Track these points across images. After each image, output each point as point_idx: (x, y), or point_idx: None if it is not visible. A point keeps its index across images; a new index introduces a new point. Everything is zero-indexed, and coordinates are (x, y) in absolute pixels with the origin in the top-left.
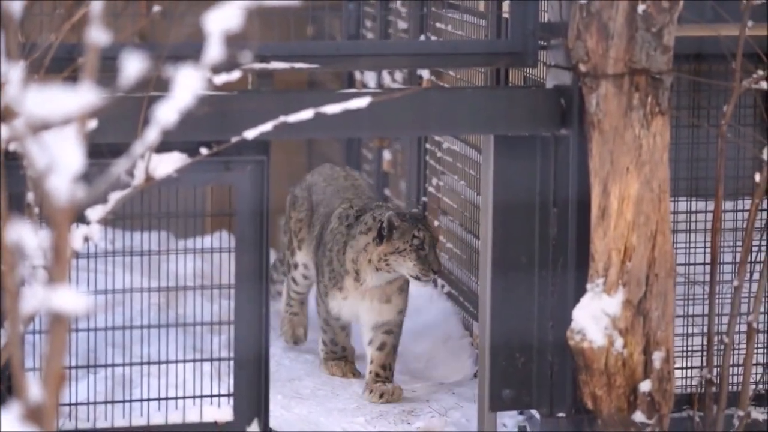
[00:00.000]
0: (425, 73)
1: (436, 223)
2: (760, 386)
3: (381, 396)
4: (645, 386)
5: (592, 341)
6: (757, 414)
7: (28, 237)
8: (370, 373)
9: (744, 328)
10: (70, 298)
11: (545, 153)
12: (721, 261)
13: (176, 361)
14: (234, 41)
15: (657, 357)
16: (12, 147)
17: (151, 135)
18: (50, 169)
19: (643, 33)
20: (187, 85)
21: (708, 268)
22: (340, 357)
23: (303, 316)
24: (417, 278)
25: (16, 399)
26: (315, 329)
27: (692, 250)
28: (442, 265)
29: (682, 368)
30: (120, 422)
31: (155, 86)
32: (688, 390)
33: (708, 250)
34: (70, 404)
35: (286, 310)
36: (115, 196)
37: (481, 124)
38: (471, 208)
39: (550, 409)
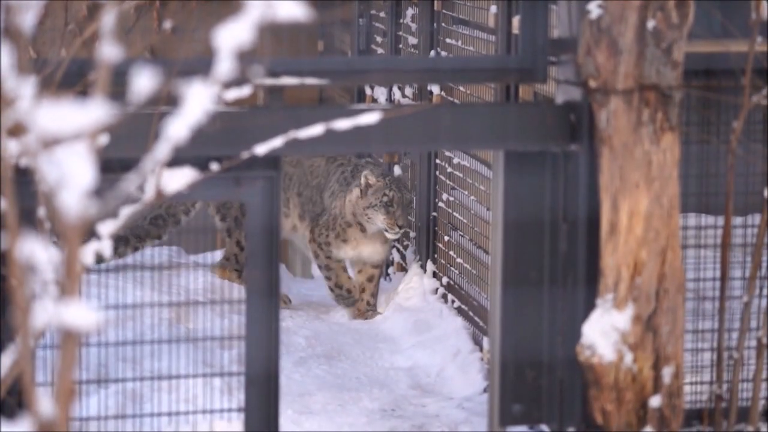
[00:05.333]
0: (435, 89)
1: (446, 238)
2: None
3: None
4: (655, 401)
5: (601, 356)
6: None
7: (39, 252)
8: (362, 300)
9: (754, 343)
10: (81, 313)
11: (555, 168)
12: (731, 276)
13: (187, 376)
14: (244, 57)
15: (667, 372)
16: (23, 162)
17: (162, 150)
18: (61, 184)
19: (652, 49)
20: (198, 101)
21: (718, 283)
22: (347, 298)
23: None
24: (386, 231)
25: (27, 414)
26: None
27: (702, 266)
28: (407, 224)
29: (691, 383)
30: None
31: (166, 102)
32: (698, 405)
33: (718, 265)
34: (80, 419)
35: None
36: (126, 211)
37: (490, 140)
38: (481, 224)
39: (560, 424)
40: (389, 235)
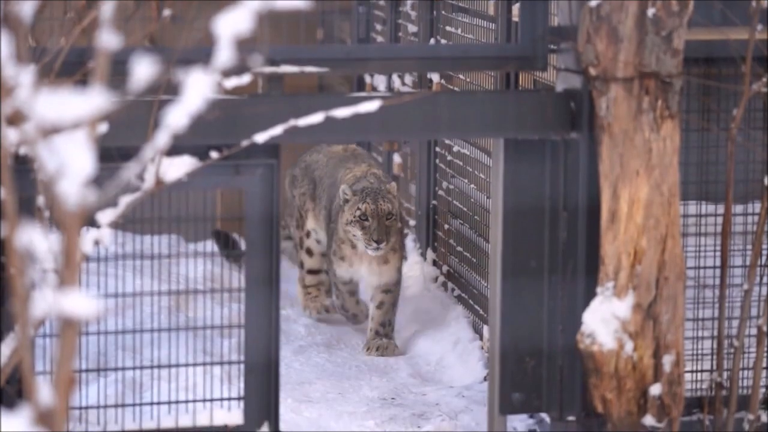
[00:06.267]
0: (435, 77)
1: (446, 226)
2: None
3: (377, 350)
4: (655, 390)
5: (602, 345)
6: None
7: (38, 241)
8: (371, 330)
9: (754, 331)
10: (80, 302)
11: (555, 156)
12: (731, 264)
13: (186, 365)
14: (244, 45)
15: (667, 360)
16: (22, 151)
17: (162, 139)
18: (61, 172)
19: (652, 36)
20: (198, 89)
21: (718, 271)
22: (353, 320)
23: (324, 284)
24: (365, 247)
25: (26, 403)
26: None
27: (702, 254)
28: (385, 239)
29: (692, 372)
30: (130, 425)
31: (165, 90)
32: (699, 393)
33: (718, 253)
34: (80, 408)
35: (306, 284)
36: (125, 200)
37: (490, 128)
38: (481, 212)
39: (560, 412)
40: (369, 252)
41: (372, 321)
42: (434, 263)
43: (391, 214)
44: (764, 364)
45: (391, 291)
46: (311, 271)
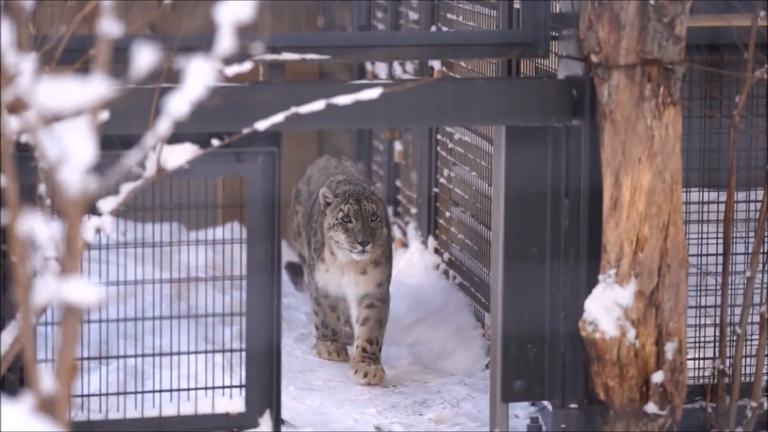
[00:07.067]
0: (436, 64)
1: (447, 214)
2: None
3: (364, 376)
4: (657, 377)
5: (604, 332)
6: None
7: (40, 229)
8: (357, 348)
9: (756, 318)
10: (82, 290)
11: (557, 144)
12: (734, 252)
13: (188, 353)
14: (245, 32)
15: (669, 348)
16: (24, 138)
17: (163, 126)
18: (62, 160)
19: (654, 23)
20: (199, 77)
21: (720, 258)
22: (330, 339)
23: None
24: (350, 251)
25: (29, 390)
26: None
27: (705, 241)
28: (371, 240)
29: (694, 359)
30: (132, 413)
31: (167, 78)
32: (701, 381)
33: (720, 240)
34: (82, 396)
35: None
36: (126, 188)
37: (492, 115)
38: (482, 199)
39: (562, 400)
40: (354, 256)
41: (358, 339)
42: (436, 251)
43: (376, 215)
44: (767, 352)
45: (376, 306)
46: None
